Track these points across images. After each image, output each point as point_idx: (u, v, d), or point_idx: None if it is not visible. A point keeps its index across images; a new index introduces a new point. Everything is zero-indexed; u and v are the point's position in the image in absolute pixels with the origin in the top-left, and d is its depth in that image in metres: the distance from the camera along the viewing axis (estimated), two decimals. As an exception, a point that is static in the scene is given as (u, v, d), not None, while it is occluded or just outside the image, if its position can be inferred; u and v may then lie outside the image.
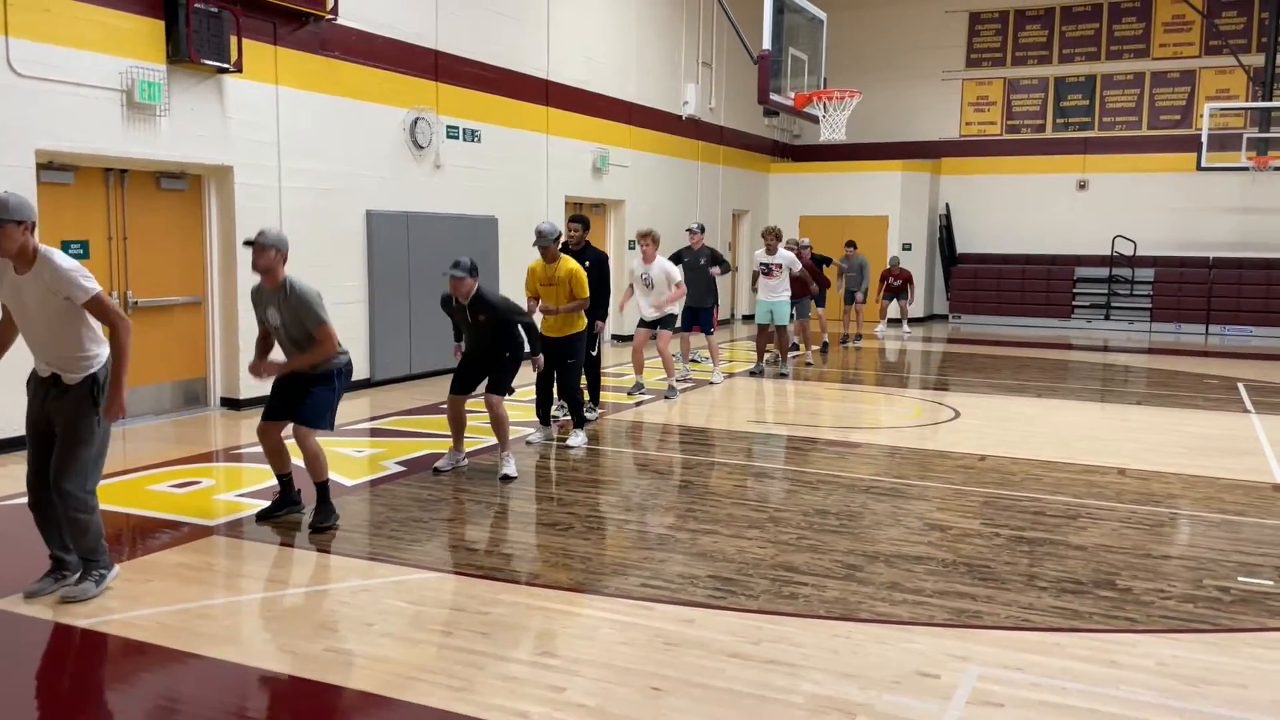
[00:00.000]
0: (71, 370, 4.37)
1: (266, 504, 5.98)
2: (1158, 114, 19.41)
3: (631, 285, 10.55)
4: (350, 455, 7.64)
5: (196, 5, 8.49)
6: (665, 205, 16.70)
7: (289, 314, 5.49)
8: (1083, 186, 19.93)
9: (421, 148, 11.47)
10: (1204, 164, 17.48)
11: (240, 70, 9.02)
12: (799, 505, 6.33)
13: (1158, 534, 5.85)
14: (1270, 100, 17.06)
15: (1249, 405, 10.58)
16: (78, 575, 4.53)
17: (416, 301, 11.30)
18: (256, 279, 5.62)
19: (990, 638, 4.24)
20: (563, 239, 8.62)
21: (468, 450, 7.42)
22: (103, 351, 4.44)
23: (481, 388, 7.10)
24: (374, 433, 8.60)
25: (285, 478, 5.88)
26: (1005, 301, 20.09)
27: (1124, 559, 5.30)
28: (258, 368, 5.65)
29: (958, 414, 9.92)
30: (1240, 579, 5.03)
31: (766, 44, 9.24)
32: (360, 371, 10.32)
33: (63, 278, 4.22)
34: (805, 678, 3.80)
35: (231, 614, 4.43)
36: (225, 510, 6.10)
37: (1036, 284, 20.07)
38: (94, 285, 4.30)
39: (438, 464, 7.16)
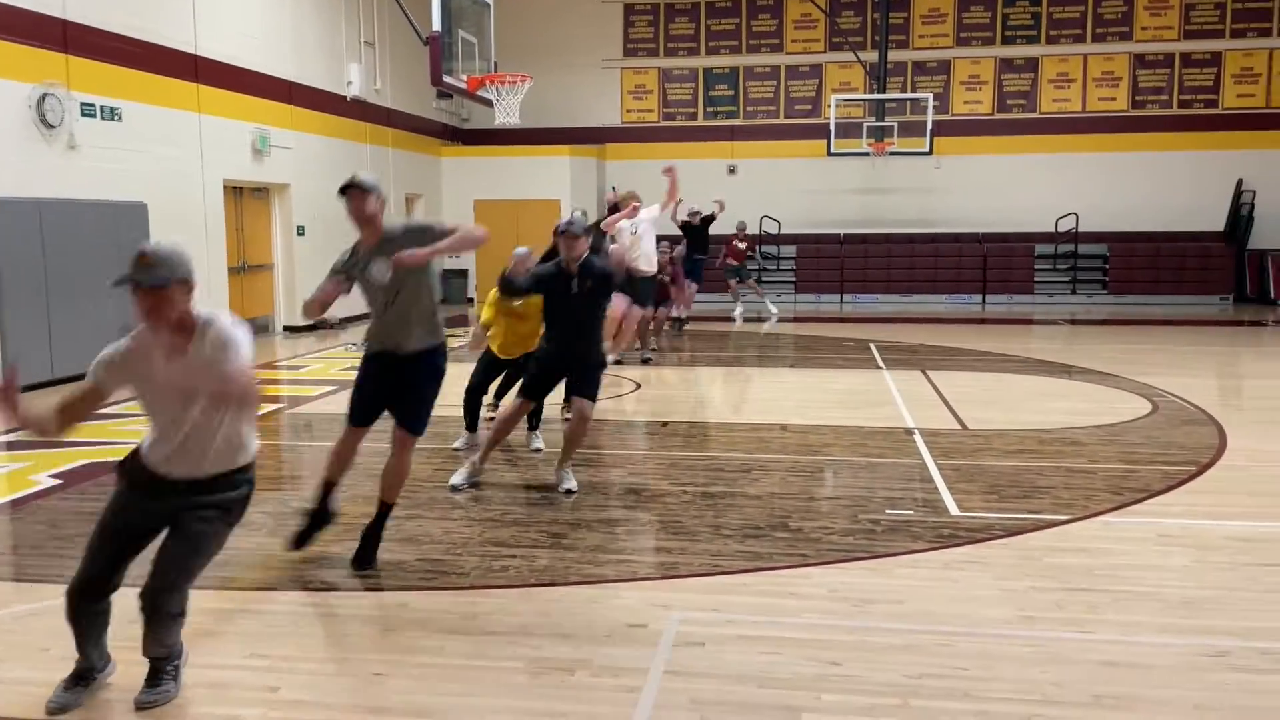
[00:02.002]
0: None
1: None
2: (793, 104, 21.33)
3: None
4: (-9, 472, 6.78)
5: None
6: (334, 188, 16.09)
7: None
8: (733, 171, 21.51)
9: (52, 127, 10.29)
10: (833, 150, 19.46)
11: None
12: (499, 482, 6.44)
13: (818, 479, 6.55)
14: (884, 93, 19.31)
15: (880, 363, 11.99)
16: (150, 679, 3.44)
17: (56, 297, 10.16)
18: None
19: (688, 585, 4.59)
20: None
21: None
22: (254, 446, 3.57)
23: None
24: (12, 445, 7.67)
25: (332, 486, 4.95)
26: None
27: (793, 504, 5.90)
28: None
29: (639, 385, 10.46)
30: (888, 511, 5.76)
31: (436, 25, 9.19)
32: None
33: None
34: (523, 644, 3.92)
35: None
36: None
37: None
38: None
39: (453, 480, 6.27)
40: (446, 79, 9.19)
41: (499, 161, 20.45)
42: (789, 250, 21.38)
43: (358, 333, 14.58)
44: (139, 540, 3.39)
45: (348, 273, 4.82)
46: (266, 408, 9.24)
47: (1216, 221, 19.84)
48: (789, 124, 21.27)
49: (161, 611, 3.29)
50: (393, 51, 17.97)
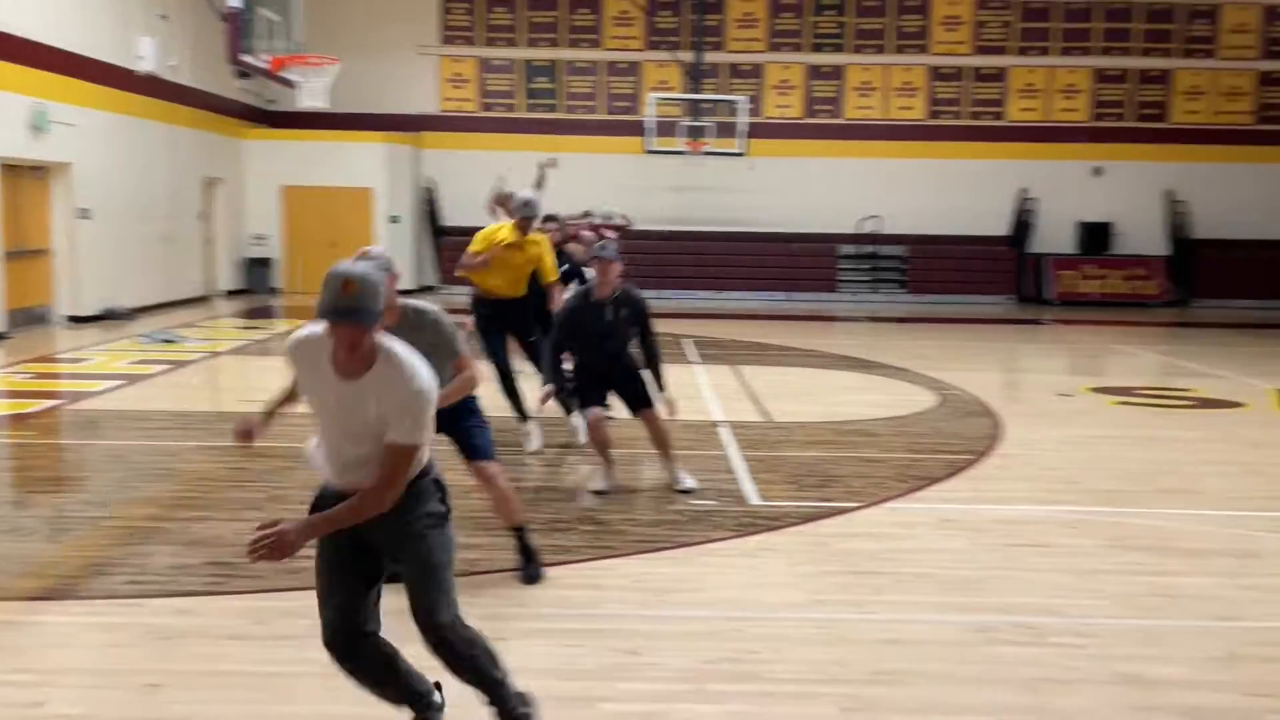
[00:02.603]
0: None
1: None
2: (612, 100, 21.50)
3: None
4: None
5: None
6: (124, 169, 15.10)
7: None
8: (553, 164, 21.46)
9: None
10: (650, 147, 19.76)
11: None
12: (297, 481, 6.19)
13: (627, 472, 6.62)
14: (699, 93, 19.73)
15: (693, 358, 12.27)
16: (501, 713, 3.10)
17: None
18: None
19: (490, 581, 4.55)
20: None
21: None
22: None
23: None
24: None
25: None
26: (488, 272, 21.10)
27: (601, 497, 5.95)
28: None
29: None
30: (691, 502, 5.90)
31: (235, 0, 8.75)
32: None
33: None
34: (313, 647, 3.79)
35: None
36: None
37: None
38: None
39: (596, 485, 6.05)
40: (246, 58, 8.77)
41: (308, 146, 19.66)
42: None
43: (149, 324, 13.77)
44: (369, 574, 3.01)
45: None
46: (43, 404, 8.59)
47: (1002, 227, 21.30)
48: (608, 120, 21.43)
49: (448, 640, 2.95)
50: (192, 26, 16.97)
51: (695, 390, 9.87)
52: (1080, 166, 21.27)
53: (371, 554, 2.98)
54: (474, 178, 21.30)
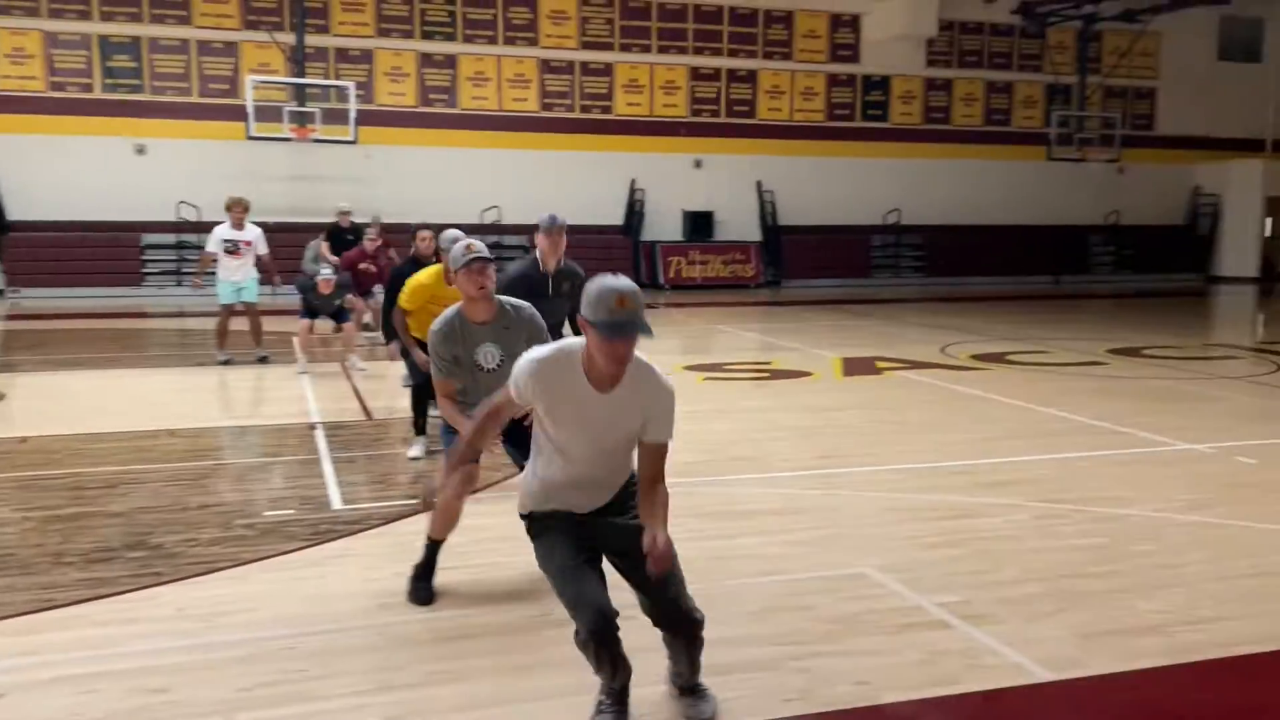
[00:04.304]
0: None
1: None
2: (208, 82, 19.87)
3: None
4: None
5: None
6: None
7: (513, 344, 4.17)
8: (141, 151, 19.53)
9: None
10: (253, 134, 18.51)
11: None
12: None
13: (201, 486, 6.09)
14: (304, 77, 18.75)
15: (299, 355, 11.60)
16: (695, 696, 3.31)
17: None
18: None
19: (7, 628, 3.95)
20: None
21: None
22: None
23: None
24: None
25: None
26: (70, 272, 18.75)
27: (160, 517, 5.40)
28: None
29: (2, 396, 9.00)
30: (266, 513, 5.52)
31: None
32: None
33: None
34: None
35: None
36: None
37: (102, 252, 19.17)
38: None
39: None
40: None
41: None
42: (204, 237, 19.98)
43: None
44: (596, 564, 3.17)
45: (454, 356, 4.28)
46: None
47: (617, 216, 22.26)
48: (205, 103, 19.81)
49: (697, 620, 3.17)
50: None
51: (299, 391, 9.35)
52: (683, 159, 22.71)
53: (595, 551, 3.18)
54: (46, 166, 18.90)
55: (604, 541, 3.19)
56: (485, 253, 4.32)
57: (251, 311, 11.15)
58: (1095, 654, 3.77)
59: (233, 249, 10.96)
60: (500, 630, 3.99)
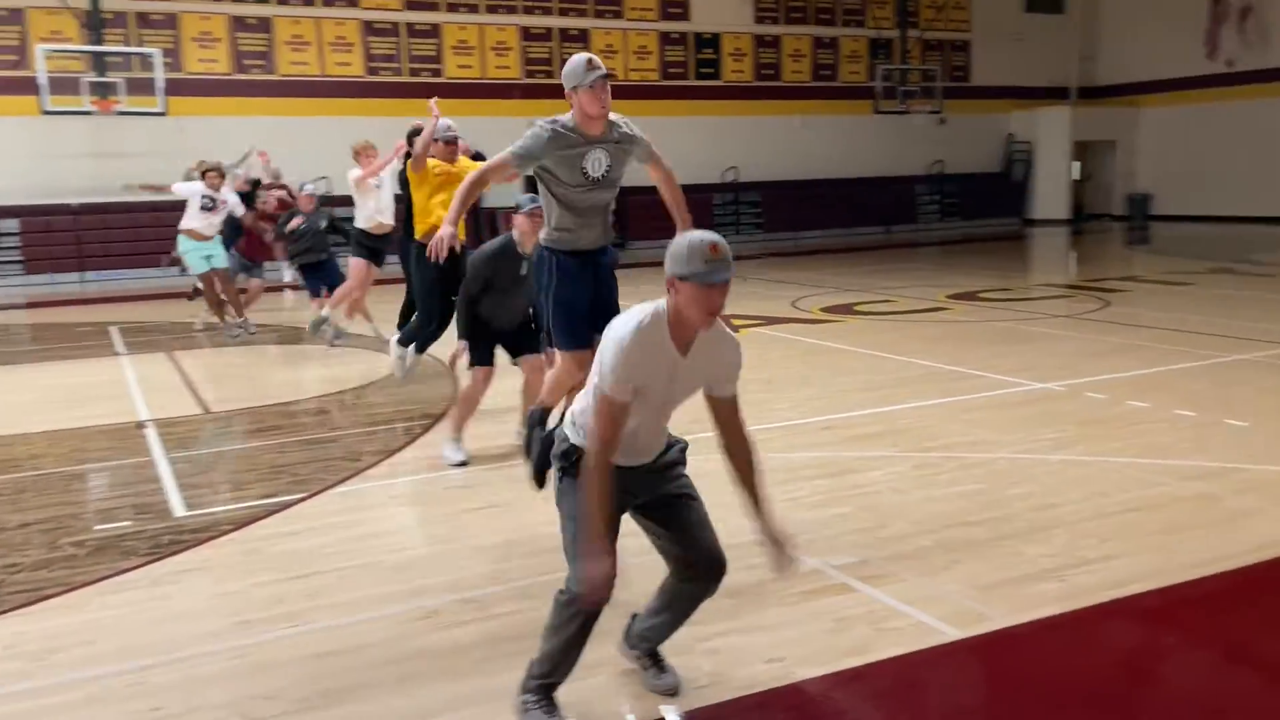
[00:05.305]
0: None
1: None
2: (-9, 53, 18.04)
3: None
4: None
5: None
6: None
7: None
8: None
9: None
10: (48, 108, 16.94)
11: None
12: None
13: (17, 501, 5.44)
14: (102, 44, 17.23)
15: (121, 348, 10.70)
16: (658, 666, 3.24)
17: None
18: None
19: None
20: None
21: None
22: None
23: None
24: None
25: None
26: None
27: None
28: None
29: None
30: (97, 527, 4.96)
31: None
32: None
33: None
34: None
35: None
36: None
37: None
38: None
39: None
40: None
41: None
42: (10, 225, 18.28)
43: None
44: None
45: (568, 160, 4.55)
46: None
47: (453, 183, 21.57)
48: (-12, 76, 17.98)
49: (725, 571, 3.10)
50: None
51: (120, 387, 8.57)
52: (517, 122, 22.01)
53: (623, 506, 3.01)
54: None
55: (640, 491, 3.02)
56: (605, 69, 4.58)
57: (224, 278, 10.99)
58: (996, 605, 3.75)
59: (210, 205, 10.77)
60: (390, 636, 3.65)
